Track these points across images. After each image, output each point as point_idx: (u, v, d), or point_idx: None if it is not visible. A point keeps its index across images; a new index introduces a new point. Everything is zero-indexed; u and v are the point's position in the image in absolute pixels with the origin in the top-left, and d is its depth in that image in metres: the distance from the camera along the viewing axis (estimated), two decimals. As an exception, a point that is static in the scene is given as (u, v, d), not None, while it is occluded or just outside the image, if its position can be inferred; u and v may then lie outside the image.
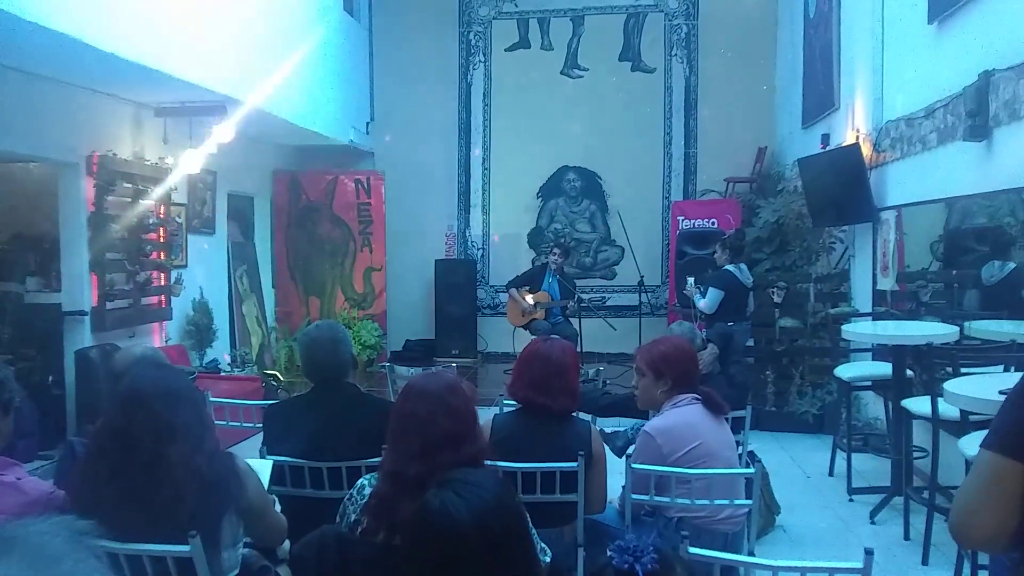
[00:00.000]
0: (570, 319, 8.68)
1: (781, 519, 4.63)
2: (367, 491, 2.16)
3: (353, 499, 2.20)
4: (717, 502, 2.90)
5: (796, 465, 5.81)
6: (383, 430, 2.27)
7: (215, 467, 2.20)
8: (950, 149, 4.91)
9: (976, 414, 3.40)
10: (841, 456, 5.48)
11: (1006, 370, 4.26)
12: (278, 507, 2.90)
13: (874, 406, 6.20)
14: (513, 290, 8.83)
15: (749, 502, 2.90)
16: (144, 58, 5.07)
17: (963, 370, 4.20)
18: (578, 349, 8.49)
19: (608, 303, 10.00)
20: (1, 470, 2.23)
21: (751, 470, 2.88)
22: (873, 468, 5.51)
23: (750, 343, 7.03)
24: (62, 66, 5.17)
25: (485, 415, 4.11)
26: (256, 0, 6.71)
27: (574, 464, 2.81)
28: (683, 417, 3.07)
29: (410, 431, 2.10)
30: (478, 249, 10.45)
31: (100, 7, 4.61)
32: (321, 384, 3.01)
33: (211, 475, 2.17)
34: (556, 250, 8.83)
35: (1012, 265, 4.82)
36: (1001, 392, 2.86)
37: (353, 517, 2.15)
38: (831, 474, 5.56)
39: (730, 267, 6.54)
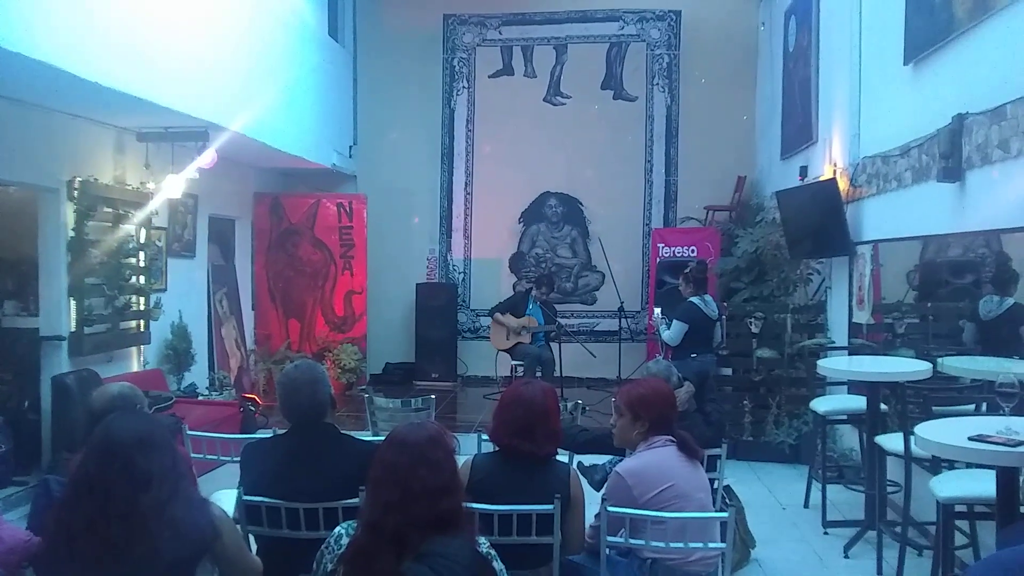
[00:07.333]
0: (551, 344, 8.74)
1: (756, 553, 4.66)
2: (344, 540, 2.17)
3: (330, 548, 2.21)
4: (691, 545, 2.93)
5: (772, 496, 5.85)
6: (361, 472, 2.28)
7: (191, 516, 2.20)
8: (925, 188, 4.97)
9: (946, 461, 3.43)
10: (816, 487, 5.53)
11: (977, 409, 4.33)
12: (253, 547, 2.90)
13: (850, 436, 6.25)
14: (498, 314, 8.88)
15: (723, 545, 2.92)
16: (127, 86, 5.08)
17: (935, 408, 4.25)
18: (556, 373, 8.55)
19: (588, 328, 10.07)
20: (-23, 517, 2.23)
21: (725, 514, 2.90)
22: (848, 500, 5.56)
23: (727, 372, 7.08)
24: (44, 92, 5.16)
25: (466, 443, 4.15)
26: (239, 26, 6.73)
27: (550, 507, 2.83)
28: (655, 458, 3.10)
29: (390, 481, 2.10)
30: (459, 273, 10.48)
31: (83, 36, 4.62)
32: (300, 425, 3.02)
33: (186, 524, 2.17)
34: (543, 281, 8.95)
35: (1011, 301, 4.81)
36: (971, 439, 2.93)
37: (330, 567, 2.15)
38: (806, 506, 5.61)
39: (694, 299, 6.57)
